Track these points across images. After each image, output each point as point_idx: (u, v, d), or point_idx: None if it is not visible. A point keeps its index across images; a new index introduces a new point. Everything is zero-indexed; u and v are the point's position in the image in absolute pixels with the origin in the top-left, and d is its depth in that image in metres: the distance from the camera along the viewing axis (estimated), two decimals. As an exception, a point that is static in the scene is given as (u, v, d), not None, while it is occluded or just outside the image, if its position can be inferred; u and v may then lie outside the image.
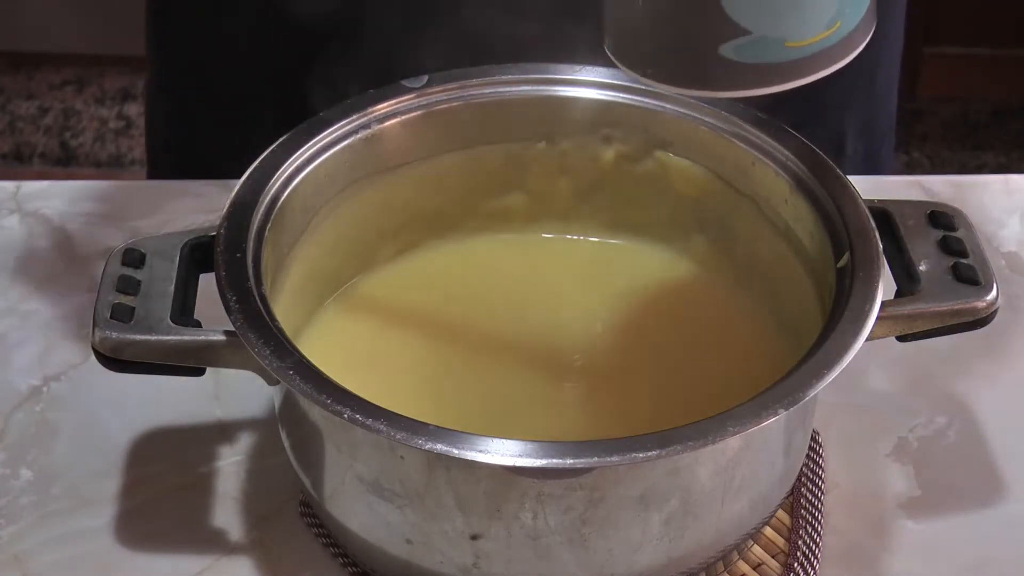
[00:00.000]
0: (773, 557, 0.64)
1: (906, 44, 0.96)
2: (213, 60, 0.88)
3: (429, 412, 0.62)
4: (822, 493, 0.66)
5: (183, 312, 0.60)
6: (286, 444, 0.62)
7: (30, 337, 0.75)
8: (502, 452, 0.52)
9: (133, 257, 0.62)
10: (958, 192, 0.85)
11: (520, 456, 0.52)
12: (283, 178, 0.64)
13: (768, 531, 0.65)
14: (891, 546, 0.65)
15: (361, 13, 0.81)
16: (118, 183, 0.88)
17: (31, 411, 0.71)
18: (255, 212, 0.62)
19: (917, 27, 2.11)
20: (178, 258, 0.62)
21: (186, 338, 0.59)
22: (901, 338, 0.62)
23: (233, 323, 0.57)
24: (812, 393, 0.54)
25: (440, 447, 0.52)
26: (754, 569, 0.64)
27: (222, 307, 0.58)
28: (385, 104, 0.68)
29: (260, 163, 0.64)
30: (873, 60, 0.89)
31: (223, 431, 0.69)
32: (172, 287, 0.61)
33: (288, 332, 0.57)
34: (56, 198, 0.83)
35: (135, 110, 2.26)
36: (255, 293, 0.58)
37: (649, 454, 0.52)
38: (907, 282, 0.62)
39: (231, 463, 0.68)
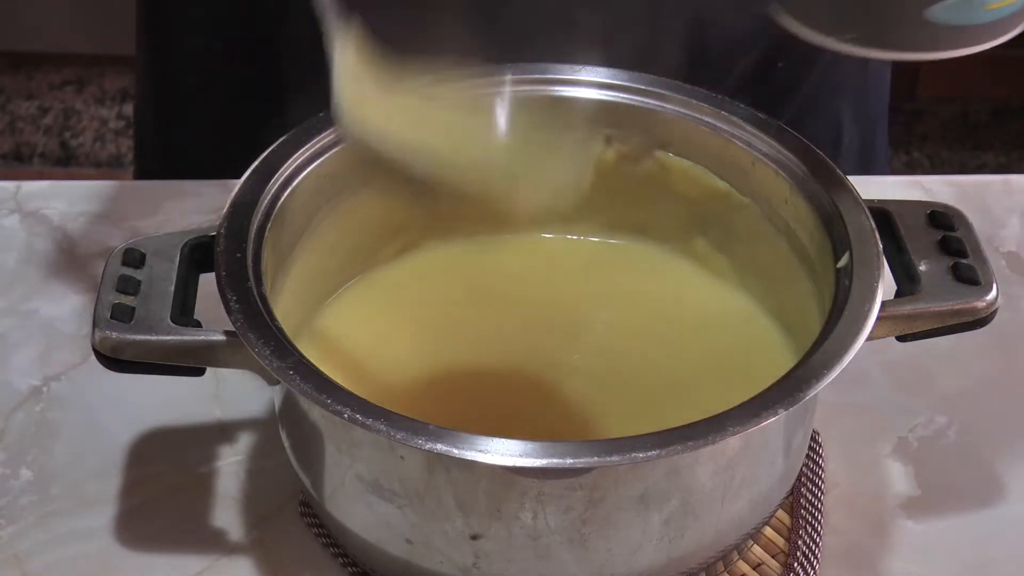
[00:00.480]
0: (773, 557, 0.64)
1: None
2: (209, 59, 0.88)
3: (429, 412, 0.62)
4: (822, 493, 0.66)
5: (183, 312, 0.60)
6: (286, 444, 0.62)
7: (30, 337, 0.75)
8: (502, 452, 0.52)
9: (133, 257, 0.62)
10: (958, 192, 0.85)
11: (520, 456, 0.52)
12: (283, 178, 0.64)
13: (768, 531, 0.65)
14: (891, 546, 0.65)
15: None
16: (118, 183, 0.88)
17: (31, 411, 0.71)
18: (255, 212, 0.62)
19: (917, 27, 2.11)
20: (178, 258, 0.62)
21: (186, 338, 0.59)
22: (901, 338, 0.62)
23: (233, 323, 0.57)
24: (812, 393, 0.54)
25: (440, 447, 0.52)
26: (754, 569, 0.64)
27: (222, 307, 0.58)
28: (385, 104, 0.68)
29: (260, 163, 0.64)
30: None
31: (223, 431, 0.69)
32: (172, 287, 0.61)
33: (288, 332, 0.57)
34: (56, 198, 0.84)
35: (135, 110, 2.26)
36: (255, 293, 0.58)
37: (649, 454, 0.52)
38: (907, 282, 0.62)
39: (231, 463, 0.68)
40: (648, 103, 0.69)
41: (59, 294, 0.77)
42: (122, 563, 0.64)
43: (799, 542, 0.64)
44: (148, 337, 0.59)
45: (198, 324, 0.60)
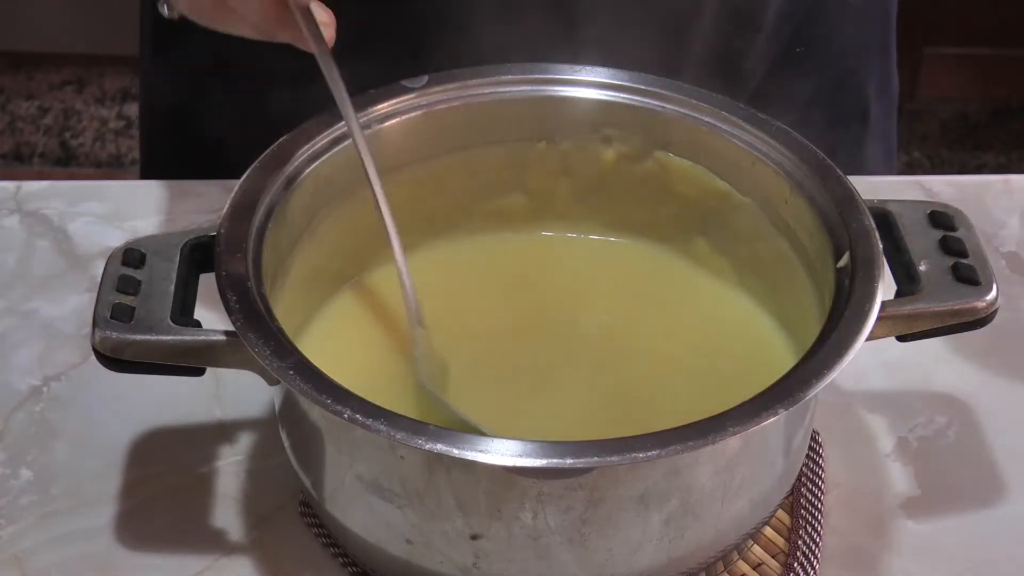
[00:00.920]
0: (773, 557, 0.64)
1: (906, 44, 0.96)
2: (215, 57, 0.88)
3: (429, 412, 0.62)
4: (822, 493, 0.66)
5: (183, 312, 0.60)
6: (286, 444, 0.62)
7: (30, 337, 0.75)
8: (502, 452, 0.52)
9: (133, 257, 0.62)
10: (958, 192, 0.85)
11: (520, 456, 0.52)
12: (283, 178, 0.64)
13: (768, 531, 0.65)
14: (891, 546, 0.65)
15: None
16: (118, 183, 0.88)
17: (31, 411, 0.71)
18: (255, 212, 0.62)
19: (917, 27, 2.12)
20: (178, 258, 0.62)
21: (186, 338, 0.59)
22: (901, 338, 0.62)
23: (233, 323, 0.57)
24: (812, 393, 0.54)
25: (440, 447, 0.52)
26: (754, 569, 0.64)
27: (222, 307, 0.58)
28: (385, 104, 0.68)
29: (260, 163, 0.64)
30: (885, 7, 0.90)
31: (223, 431, 0.69)
32: (172, 287, 0.61)
33: (288, 332, 0.57)
34: (56, 198, 0.84)
35: (135, 110, 2.26)
36: (255, 293, 0.58)
37: (649, 454, 0.52)
38: (907, 282, 0.62)
39: (231, 463, 0.68)
40: (648, 103, 0.69)
41: (59, 294, 0.77)
42: (122, 563, 0.64)
43: (799, 542, 0.64)
44: (148, 337, 0.59)
45: (198, 324, 0.60)
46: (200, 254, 0.63)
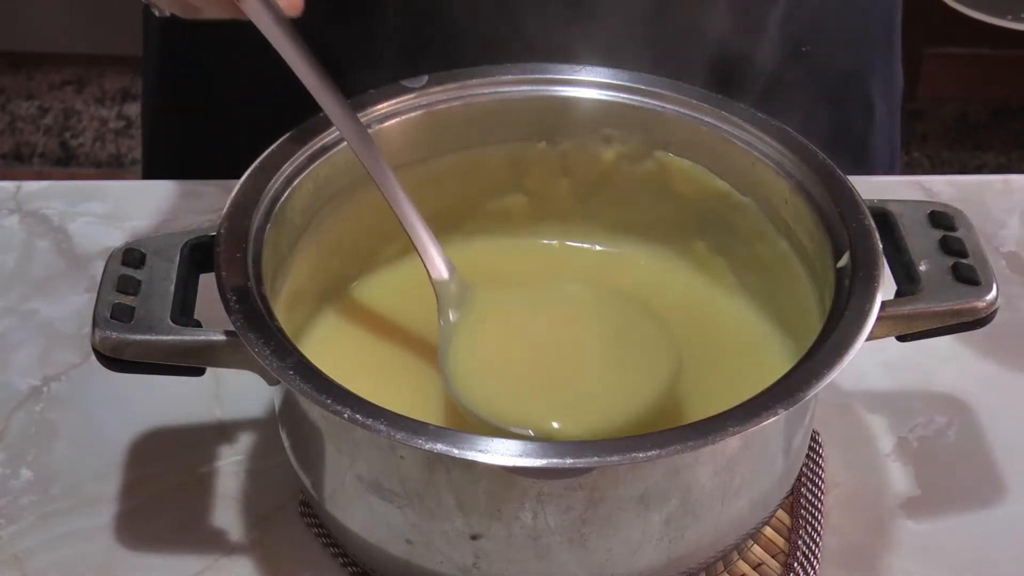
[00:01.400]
0: (773, 557, 0.64)
1: (906, 44, 0.96)
2: (215, 60, 0.88)
3: (429, 413, 0.62)
4: (822, 493, 0.66)
5: (183, 312, 0.60)
6: (286, 444, 0.62)
7: (30, 337, 0.75)
8: (502, 452, 0.52)
9: (133, 257, 0.62)
10: (958, 192, 0.85)
11: (520, 456, 0.52)
12: (283, 178, 0.64)
13: (768, 531, 0.65)
14: (891, 546, 0.65)
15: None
16: (118, 183, 0.88)
17: (31, 411, 0.71)
18: (255, 212, 0.62)
19: (917, 27, 2.11)
20: (178, 258, 0.62)
21: (186, 338, 0.59)
22: (901, 338, 0.62)
23: (233, 323, 0.57)
24: (812, 393, 0.54)
25: (440, 447, 0.52)
26: (754, 569, 0.64)
27: (222, 307, 0.58)
28: (385, 104, 0.68)
29: (260, 163, 0.64)
30: (889, 5, 0.90)
31: (223, 431, 0.69)
32: (172, 287, 0.61)
33: (288, 333, 0.57)
34: (56, 198, 0.84)
35: (135, 110, 2.26)
36: (255, 293, 0.58)
37: (649, 454, 0.52)
38: (907, 282, 0.62)
39: (231, 463, 0.68)
40: (648, 103, 0.69)
41: (59, 294, 0.77)
42: (122, 563, 0.64)
43: (799, 542, 0.64)
44: (148, 337, 0.59)
45: (198, 324, 0.60)
46: (200, 254, 0.63)
